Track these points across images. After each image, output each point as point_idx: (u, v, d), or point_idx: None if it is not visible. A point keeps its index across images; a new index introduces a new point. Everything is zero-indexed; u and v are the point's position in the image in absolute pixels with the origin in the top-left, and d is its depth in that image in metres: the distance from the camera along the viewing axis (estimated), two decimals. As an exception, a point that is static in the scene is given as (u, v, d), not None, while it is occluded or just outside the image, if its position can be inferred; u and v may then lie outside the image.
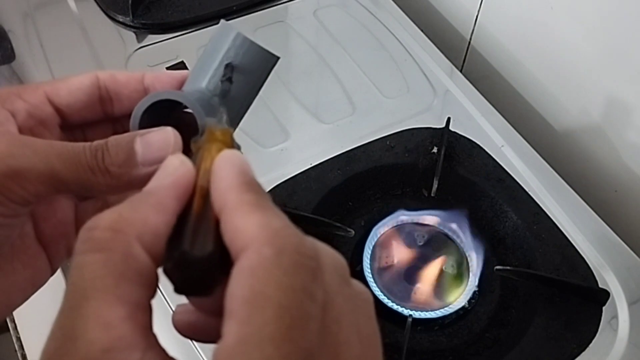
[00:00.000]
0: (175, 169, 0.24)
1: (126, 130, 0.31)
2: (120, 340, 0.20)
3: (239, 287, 0.20)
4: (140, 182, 0.26)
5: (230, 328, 0.20)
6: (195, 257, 0.22)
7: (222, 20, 0.33)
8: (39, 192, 0.26)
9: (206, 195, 0.24)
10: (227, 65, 0.31)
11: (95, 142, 0.27)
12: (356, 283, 0.24)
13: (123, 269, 0.21)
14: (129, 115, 0.31)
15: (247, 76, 0.32)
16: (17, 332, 0.67)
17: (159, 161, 0.26)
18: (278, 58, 0.32)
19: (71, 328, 0.20)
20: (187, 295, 0.23)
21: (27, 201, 0.27)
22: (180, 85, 0.32)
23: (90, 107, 0.31)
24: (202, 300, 0.24)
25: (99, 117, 0.32)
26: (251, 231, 0.21)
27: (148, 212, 0.23)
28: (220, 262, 0.22)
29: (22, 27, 0.80)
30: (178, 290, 0.22)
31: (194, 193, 0.24)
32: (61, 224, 0.32)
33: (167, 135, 0.28)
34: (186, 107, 0.29)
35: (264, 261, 0.21)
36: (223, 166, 0.24)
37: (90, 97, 0.31)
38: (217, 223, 0.23)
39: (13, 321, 0.68)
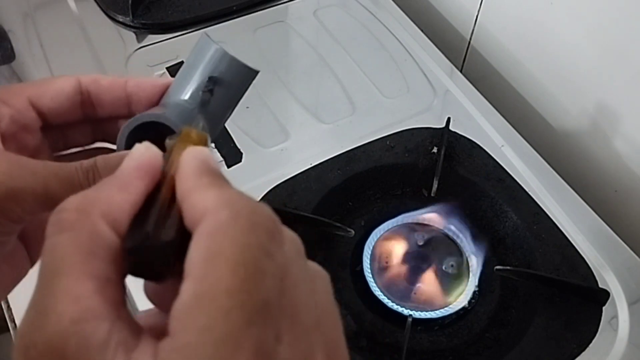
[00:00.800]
0: (140, 154, 0.25)
1: (106, 133, 0.33)
2: (88, 312, 0.20)
3: (197, 250, 0.21)
4: None
5: (186, 286, 0.20)
6: (154, 241, 0.23)
7: (203, 33, 0.34)
8: (35, 211, 0.28)
9: (173, 187, 0.25)
10: (209, 78, 0.32)
11: (85, 163, 0.28)
12: (312, 263, 0.25)
13: (90, 246, 0.22)
14: (110, 118, 0.32)
15: (227, 90, 0.33)
16: (17, 332, 0.67)
17: None
18: (257, 72, 0.33)
19: (42, 304, 0.21)
20: (140, 277, 0.24)
21: (23, 220, 0.28)
22: (163, 92, 0.33)
23: (72, 111, 0.32)
24: (163, 298, 0.25)
25: (80, 119, 0.33)
26: (208, 202, 0.22)
27: (112, 191, 0.24)
28: (179, 250, 0.23)
29: (22, 27, 0.80)
30: (132, 271, 0.23)
31: (162, 184, 0.25)
32: (42, 221, 0.33)
33: (157, 159, 0.29)
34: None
35: (221, 224, 0.21)
36: (186, 159, 0.25)
37: (72, 103, 0.32)
38: (180, 212, 0.24)
39: (13, 321, 0.68)
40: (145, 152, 0.25)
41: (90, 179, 0.28)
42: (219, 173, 0.24)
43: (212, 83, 0.32)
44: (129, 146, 0.30)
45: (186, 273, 0.21)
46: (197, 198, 0.23)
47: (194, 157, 0.25)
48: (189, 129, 0.27)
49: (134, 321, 0.22)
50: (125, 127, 0.30)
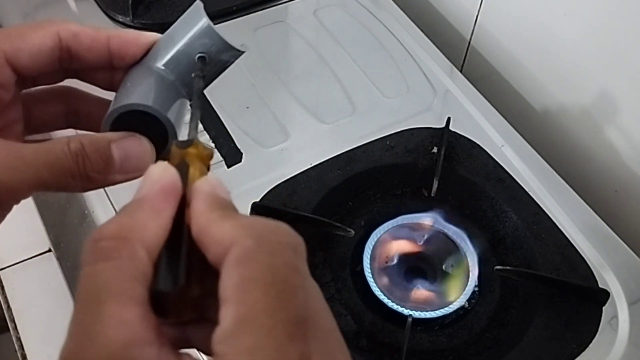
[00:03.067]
0: (159, 176, 0.26)
1: (78, 74, 0.33)
2: (138, 338, 0.21)
3: (229, 277, 0.22)
4: (112, 184, 0.29)
5: (226, 312, 0.21)
6: (183, 291, 0.24)
7: (198, 1, 0.33)
8: (26, 197, 0.28)
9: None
10: (201, 59, 0.32)
11: (73, 146, 0.28)
12: None
13: (132, 272, 0.23)
14: (87, 69, 0.32)
15: (211, 67, 0.33)
16: (17, 332, 0.67)
17: (136, 171, 0.27)
18: (243, 52, 0.33)
19: (90, 328, 0.21)
20: (155, 311, 0.24)
21: (13, 206, 0.29)
22: (146, 50, 0.33)
23: (49, 66, 0.32)
24: None
25: (55, 70, 0.32)
26: (229, 234, 0.23)
27: (145, 217, 0.24)
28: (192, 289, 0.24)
29: (22, 27, 0.80)
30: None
31: (182, 202, 0.26)
32: None
33: (144, 149, 0.30)
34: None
35: (247, 250, 0.22)
36: (195, 195, 0.26)
37: (51, 59, 0.31)
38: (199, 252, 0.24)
39: (13, 321, 0.68)
40: (164, 173, 0.26)
41: (80, 165, 0.28)
42: (227, 202, 0.25)
43: (204, 66, 0.32)
44: (113, 129, 0.31)
45: (223, 300, 0.22)
46: (216, 233, 0.24)
47: (201, 191, 0.25)
48: (197, 142, 0.28)
49: (173, 346, 0.22)
50: (110, 114, 0.30)
